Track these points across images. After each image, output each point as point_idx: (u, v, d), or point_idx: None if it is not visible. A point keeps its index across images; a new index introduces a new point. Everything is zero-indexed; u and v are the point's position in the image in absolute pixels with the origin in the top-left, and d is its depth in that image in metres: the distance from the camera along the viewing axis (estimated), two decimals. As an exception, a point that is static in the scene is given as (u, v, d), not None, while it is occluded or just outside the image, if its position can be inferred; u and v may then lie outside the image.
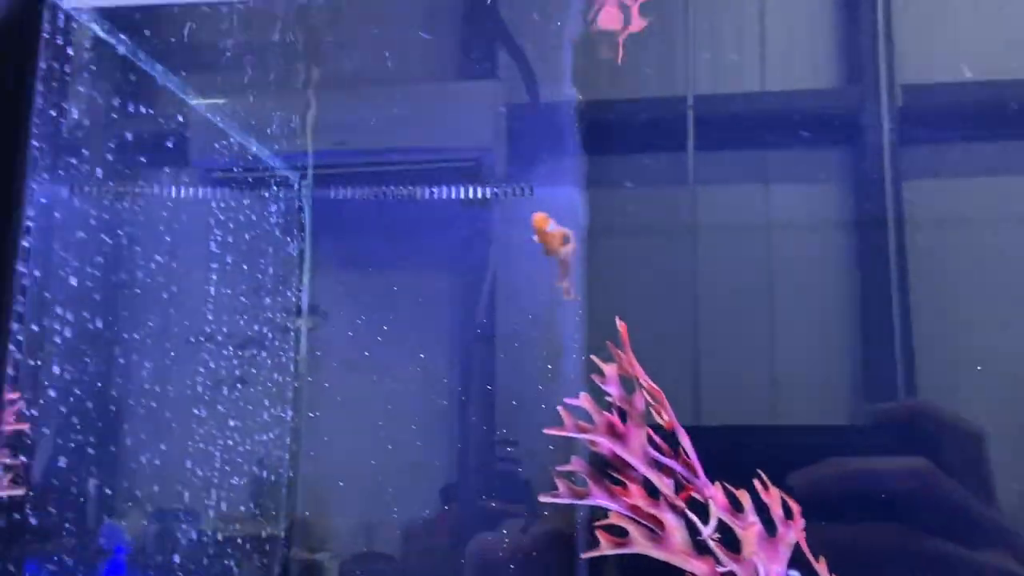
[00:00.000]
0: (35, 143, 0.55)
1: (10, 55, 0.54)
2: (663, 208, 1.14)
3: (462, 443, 1.09)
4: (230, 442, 1.09)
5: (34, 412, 0.78)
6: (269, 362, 1.14)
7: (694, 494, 0.59)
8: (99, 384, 1.04)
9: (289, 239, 1.20)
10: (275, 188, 1.18)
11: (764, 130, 1.13)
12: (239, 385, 1.12)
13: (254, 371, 1.13)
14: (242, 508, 1.12)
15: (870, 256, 1.08)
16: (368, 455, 1.12)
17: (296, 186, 1.22)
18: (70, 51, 0.58)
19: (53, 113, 0.57)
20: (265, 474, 1.12)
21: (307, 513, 1.17)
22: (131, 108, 0.93)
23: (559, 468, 0.61)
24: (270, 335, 1.16)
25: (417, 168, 1.17)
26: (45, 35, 0.56)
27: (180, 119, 1.08)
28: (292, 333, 1.19)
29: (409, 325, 1.17)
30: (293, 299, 1.22)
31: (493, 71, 1.20)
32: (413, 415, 1.14)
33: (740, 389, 1.01)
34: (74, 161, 0.82)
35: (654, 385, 0.60)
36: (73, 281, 0.91)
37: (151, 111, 1.02)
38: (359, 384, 1.17)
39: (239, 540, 1.13)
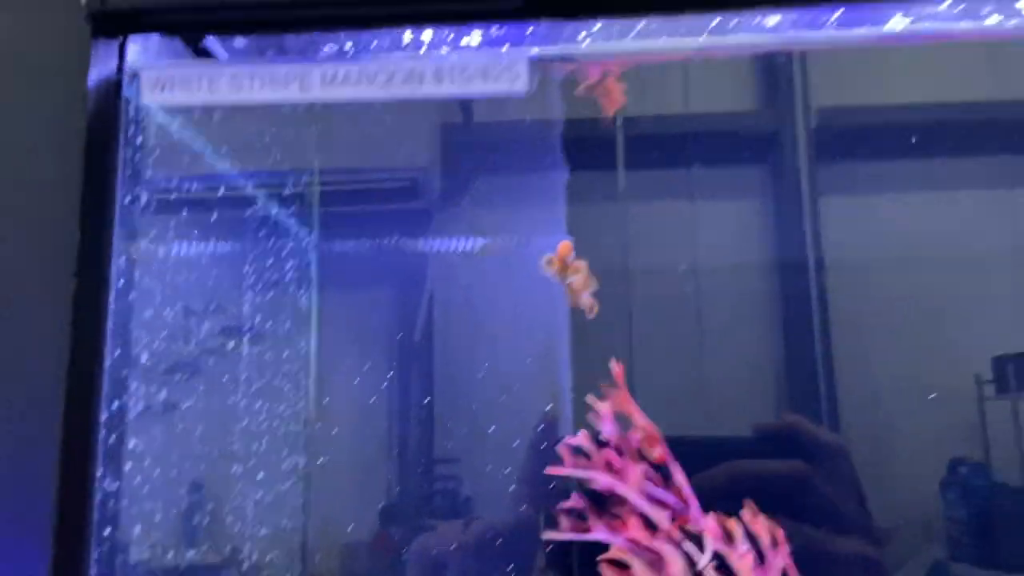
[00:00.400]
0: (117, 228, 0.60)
1: (98, 144, 0.61)
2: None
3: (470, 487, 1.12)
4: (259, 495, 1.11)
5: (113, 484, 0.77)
6: (288, 411, 1.18)
7: (687, 525, 0.65)
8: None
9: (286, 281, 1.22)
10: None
11: (688, 150, 1.18)
12: (265, 439, 1.15)
13: (276, 422, 1.16)
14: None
15: (791, 274, 1.14)
16: (379, 499, 1.16)
17: (305, 241, 1.27)
18: (139, 139, 0.63)
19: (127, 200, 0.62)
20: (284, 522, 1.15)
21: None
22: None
23: (561, 505, 0.67)
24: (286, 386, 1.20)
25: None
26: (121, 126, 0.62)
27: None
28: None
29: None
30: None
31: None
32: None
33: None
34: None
35: (649, 421, 0.64)
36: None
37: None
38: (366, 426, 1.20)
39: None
